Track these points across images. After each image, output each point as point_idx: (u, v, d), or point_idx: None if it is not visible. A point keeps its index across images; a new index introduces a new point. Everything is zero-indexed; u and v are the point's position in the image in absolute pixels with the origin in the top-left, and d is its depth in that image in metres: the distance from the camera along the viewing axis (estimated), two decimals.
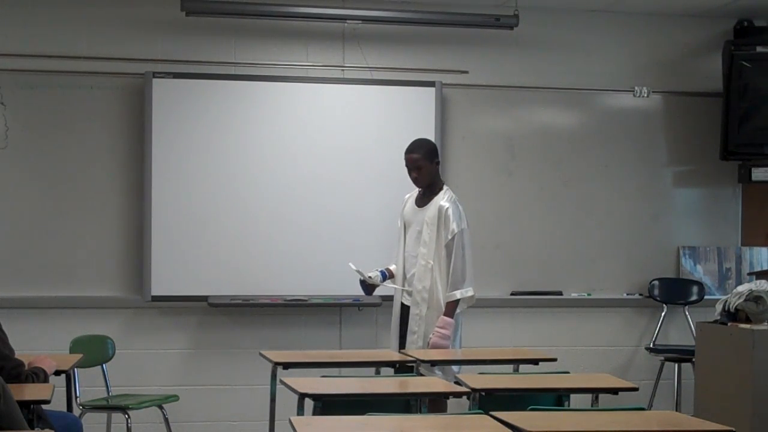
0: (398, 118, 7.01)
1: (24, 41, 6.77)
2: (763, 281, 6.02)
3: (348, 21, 7.01)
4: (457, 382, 4.79)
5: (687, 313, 7.37)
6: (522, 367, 5.72)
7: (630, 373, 7.25)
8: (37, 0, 6.79)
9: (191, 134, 6.87)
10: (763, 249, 7.59)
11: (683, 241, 7.56)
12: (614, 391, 4.89)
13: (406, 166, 5.98)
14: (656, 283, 7.43)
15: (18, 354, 4.75)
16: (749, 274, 7.24)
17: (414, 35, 7.18)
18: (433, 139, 6.94)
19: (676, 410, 6.83)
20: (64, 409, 5.30)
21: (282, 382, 4.74)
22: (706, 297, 7.36)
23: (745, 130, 7.20)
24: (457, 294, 5.83)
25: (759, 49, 7.24)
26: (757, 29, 7.43)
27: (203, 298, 6.83)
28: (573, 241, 7.40)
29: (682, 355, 7.07)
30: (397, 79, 7.12)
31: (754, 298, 5.90)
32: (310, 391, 4.45)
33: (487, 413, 4.02)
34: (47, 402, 4.31)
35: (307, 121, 6.99)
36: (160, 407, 6.31)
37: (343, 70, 7.14)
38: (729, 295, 6.08)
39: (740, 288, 6.03)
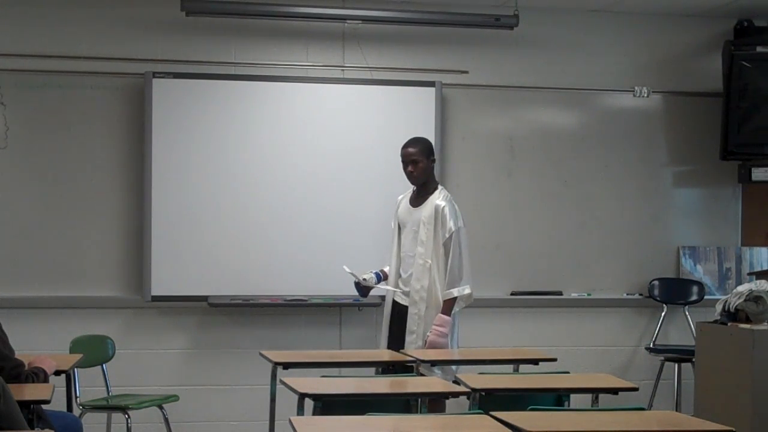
0: (398, 118, 7.01)
1: (24, 41, 6.77)
2: (763, 281, 6.02)
3: (348, 21, 7.01)
4: (457, 382, 4.79)
5: (687, 313, 7.37)
6: (522, 367, 5.72)
7: (630, 373, 7.25)
8: (37, 0, 6.79)
9: (191, 134, 6.87)
10: (763, 249, 7.59)
11: (683, 241, 7.56)
12: (614, 391, 4.89)
13: (403, 161, 6.00)
14: (656, 283, 7.43)
15: (18, 354, 4.75)
16: (749, 274, 7.24)
17: (414, 35, 7.18)
18: (433, 139, 6.94)
19: (676, 410, 6.83)
20: (64, 409, 5.30)
21: (282, 382, 4.74)
22: (706, 297, 7.36)
23: (745, 130, 7.20)
24: (455, 292, 5.85)
25: (759, 49, 7.24)
26: (757, 29, 7.43)
27: (203, 298, 6.83)
28: (573, 241, 7.40)
29: (682, 355, 7.07)
30: (397, 79, 7.12)
31: (754, 298, 5.90)
32: (310, 391, 4.45)
33: (487, 413, 4.02)
34: (47, 402, 4.31)
35: (307, 121, 6.99)
36: (160, 407, 6.31)
37: (343, 70, 7.14)
38: (729, 295, 6.08)
39: (740, 288, 6.04)
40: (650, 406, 7.11)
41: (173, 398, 6.39)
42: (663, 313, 7.39)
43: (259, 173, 6.93)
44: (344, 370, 6.05)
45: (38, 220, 6.80)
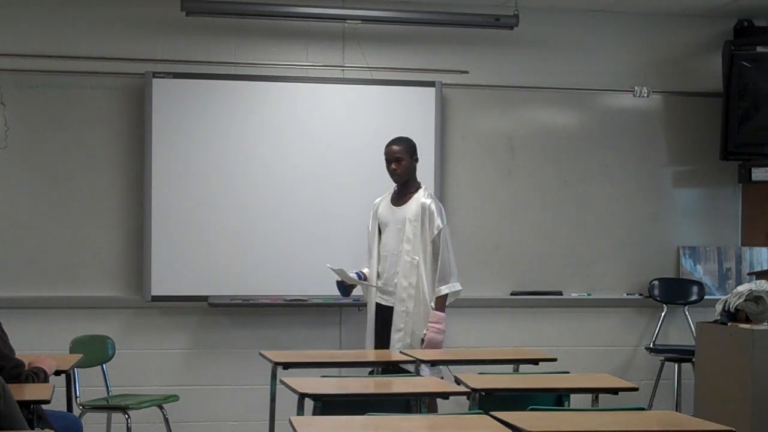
0: (398, 118, 7.00)
1: (24, 41, 6.77)
2: (763, 281, 6.02)
3: (348, 21, 7.01)
4: (457, 382, 4.79)
5: (687, 313, 7.37)
6: (522, 367, 5.72)
7: (630, 373, 7.25)
8: (37, 0, 6.79)
9: (191, 134, 6.88)
10: (763, 249, 7.59)
11: (683, 241, 7.56)
12: (614, 391, 4.89)
13: (386, 158, 6.06)
14: (656, 283, 7.43)
15: (18, 354, 4.75)
16: (749, 274, 7.24)
17: (414, 35, 7.18)
18: (433, 139, 6.97)
19: (676, 410, 6.83)
20: (64, 409, 5.30)
21: (282, 382, 4.73)
22: (706, 297, 7.36)
23: (745, 130, 7.20)
24: (447, 288, 5.91)
25: (759, 49, 7.24)
26: (757, 29, 7.43)
27: (203, 298, 6.83)
28: (573, 241, 7.40)
29: (682, 355, 7.07)
30: (397, 79, 7.12)
31: (754, 298, 5.90)
32: (310, 391, 4.45)
33: (487, 413, 4.02)
34: (47, 402, 4.31)
35: (307, 121, 7.00)
36: (160, 407, 6.31)
37: (343, 70, 7.14)
38: (729, 295, 6.08)
39: (740, 288, 6.03)
40: (650, 406, 7.11)
41: (173, 398, 6.39)
42: (663, 313, 7.39)
43: (259, 173, 6.94)
44: (344, 370, 6.06)
45: (38, 220, 6.80)
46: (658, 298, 7.40)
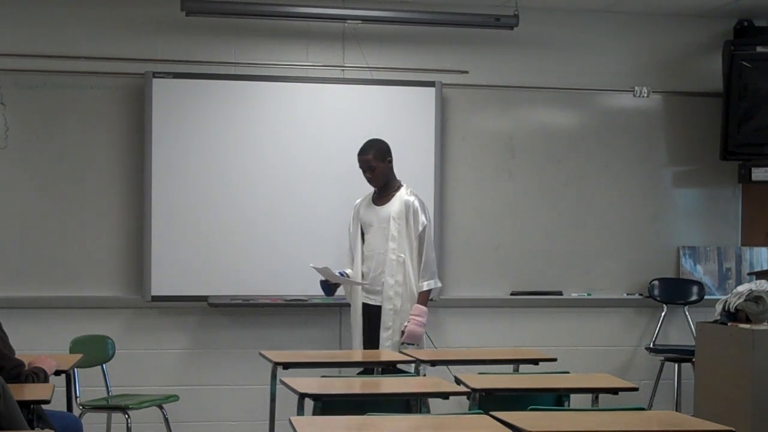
0: (398, 118, 7.01)
1: (24, 41, 6.77)
2: (763, 281, 6.02)
3: (348, 21, 7.01)
4: (457, 382, 4.79)
5: (687, 313, 7.37)
6: (522, 367, 5.72)
7: (630, 373, 7.25)
8: (37, 0, 6.79)
9: (191, 134, 6.87)
10: (763, 249, 7.59)
11: (683, 241, 7.56)
12: (614, 391, 4.89)
13: (360, 167, 6.09)
14: (656, 283, 7.42)
15: (18, 354, 4.75)
16: (749, 274, 7.24)
17: (414, 35, 7.18)
18: (433, 139, 6.97)
19: (676, 410, 6.83)
20: (64, 409, 5.30)
21: (282, 382, 4.73)
22: (706, 297, 7.36)
23: (745, 130, 7.20)
24: (427, 284, 5.99)
25: (759, 49, 7.24)
26: (757, 29, 7.43)
27: (203, 298, 6.83)
28: (573, 241, 7.40)
29: (682, 355, 7.07)
30: (397, 79, 7.12)
31: (754, 298, 5.90)
32: (310, 391, 4.45)
33: (487, 413, 4.02)
34: (47, 402, 4.31)
35: (307, 121, 6.99)
36: (160, 407, 6.31)
37: (343, 70, 7.14)
38: (729, 295, 6.08)
39: (740, 288, 6.03)
40: (650, 406, 7.11)
41: (173, 398, 6.39)
42: (663, 313, 7.39)
43: (259, 173, 6.93)
44: (344, 370, 6.06)
45: (38, 220, 6.80)
46: (658, 298, 7.40)
